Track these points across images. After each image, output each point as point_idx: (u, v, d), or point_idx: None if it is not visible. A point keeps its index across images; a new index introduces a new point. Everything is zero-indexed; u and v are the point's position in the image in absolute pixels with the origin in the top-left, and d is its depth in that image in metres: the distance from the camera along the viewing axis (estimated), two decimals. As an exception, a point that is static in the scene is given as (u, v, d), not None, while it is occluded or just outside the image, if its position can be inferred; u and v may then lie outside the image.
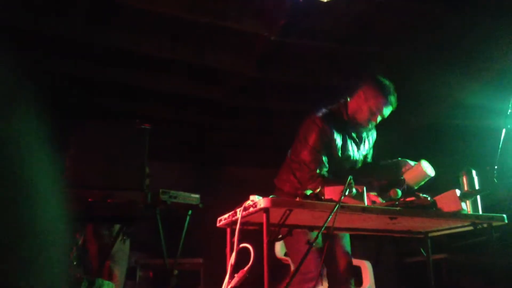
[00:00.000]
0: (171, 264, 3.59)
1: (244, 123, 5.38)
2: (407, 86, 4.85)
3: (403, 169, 2.75)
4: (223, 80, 4.69)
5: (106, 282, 2.75)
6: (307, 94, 4.90)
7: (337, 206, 2.09)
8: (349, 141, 2.83)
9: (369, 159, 3.05)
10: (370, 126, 2.83)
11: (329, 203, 2.20)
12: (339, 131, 2.76)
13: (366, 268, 3.48)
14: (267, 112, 5.20)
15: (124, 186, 3.07)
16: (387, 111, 2.75)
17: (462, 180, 2.66)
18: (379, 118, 2.77)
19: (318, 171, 2.66)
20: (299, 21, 3.90)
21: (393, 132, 5.90)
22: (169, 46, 4.09)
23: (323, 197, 2.32)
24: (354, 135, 2.87)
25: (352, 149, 2.84)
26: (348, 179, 2.22)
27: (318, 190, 2.42)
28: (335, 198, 2.20)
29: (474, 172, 2.68)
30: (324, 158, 2.69)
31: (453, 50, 4.26)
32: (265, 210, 2.13)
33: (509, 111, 2.87)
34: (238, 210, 2.31)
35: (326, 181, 2.55)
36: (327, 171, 2.70)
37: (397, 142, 6.08)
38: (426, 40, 4.17)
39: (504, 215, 2.60)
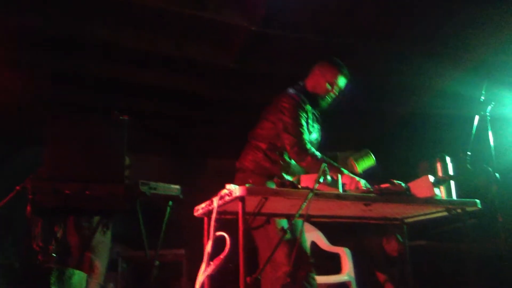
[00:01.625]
0: (153, 256, 3.61)
1: (224, 115, 5.37)
2: (389, 77, 4.91)
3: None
4: (203, 72, 4.67)
5: (76, 271, 2.74)
6: (288, 86, 4.92)
7: (311, 194, 2.12)
8: (313, 119, 2.98)
9: None
10: (329, 99, 3.02)
11: (304, 190, 2.23)
12: (307, 107, 2.95)
13: (345, 255, 3.53)
14: (247, 104, 5.21)
15: (103, 178, 3.07)
16: (342, 82, 3.02)
17: (436, 166, 2.72)
18: (336, 90, 3.00)
19: (306, 144, 2.77)
20: (279, 13, 3.90)
21: (376, 122, 5.98)
22: (147, 37, 4.07)
23: (299, 185, 2.36)
24: (317, 114, 3.03)
25: (315, 127, 2.99)
26: (322, 167, 2.25)
27: (295, 178, 2.47)
28: (311, 185, 2.23)
29: (448, 159, 2.74)
30: (305, 132, 2.84)
31: (432, 41, 4.31)
32: (241, 198, 2.15)
33: (482, 98, 2.93)
34: (214, 199, 2.33)
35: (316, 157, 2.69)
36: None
37: (379, 131, 6.17)
38: (406, 31, 4.20)
39: (477, 200, 2.65)
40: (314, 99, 3.00)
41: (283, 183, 2.41)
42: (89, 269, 3.35)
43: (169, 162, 4.83)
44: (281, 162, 2.86)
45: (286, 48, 4.41)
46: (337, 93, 3.03)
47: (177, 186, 3.63)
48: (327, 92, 3.00)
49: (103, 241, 3.51)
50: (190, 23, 3.99)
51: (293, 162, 2.86)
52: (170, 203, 3.70)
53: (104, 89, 4.63)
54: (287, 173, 2.85)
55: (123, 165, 3.21)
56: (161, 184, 3.48)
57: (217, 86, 4.88)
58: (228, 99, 5.13)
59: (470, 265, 2.83)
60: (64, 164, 3.03)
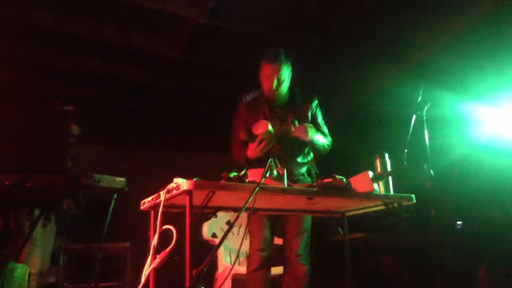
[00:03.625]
0: (96, 249, 3.55)
1: (170, 106, 5.34)
2: (331, 74, 5.06)
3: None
4: (150, 63, 4.62)
5: (19, 265, 2.67)
6: (234, 78, 4.96)
7: (257, 188, 2.17)
8: (266, 114, 2.99)
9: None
10: (277, 93, 2.94)
11: (250, 184, 2.28)
12: (253, 109, 3.00)
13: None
14: (193, 95, 5.20)
15: (45, 169, 2.98)
16: (273, 70, 2.88)
17: (376, 162, 2.86)
18: (275, 82, 2.90)
19: (233, 144, 2.95)
20: (228, 5, 3.92)
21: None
22: (92, 26, 3.97)
23: (246, 179, 2.41)
24: (277, 110, 3.01)
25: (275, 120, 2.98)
26: (269, 162, 2.32)
27: (243, 172, 2.52)
28: (257, 180, 2.29)
29: (386, 156, 2.87)
30: (237, 131, 3.00)
31: (374, 40, 4.47)
32: (188, 192, 2.17)
33: (419, 99, 3.09)
34: (161, 192, 2.33)
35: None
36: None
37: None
38: (349, 28, 4.34)
39: (413, 195, 2.81)
40: (268, 96, 2.98)
41: (229, 178, 2.46)
42: (25, 262, 3.25)
43: (115, 153, 4.73)
44: None
45: (234, 40, 4.44)
46: (276, 84, 2.90)
47: (122, 179, 3.57)
48: (268, 88, 2.92)
49: (44, 233, 3.41)
50: (136, 12, 3.94)
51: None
52: (115, 195, 3.65)
53: (48, 77, 4.48)
54: None
55: (65, 156, 3.13)
56: (105, 177, 3.41)
57: (164, 76, 4.84)
58: (175, 90, 5.10)
59: (405, 255, 2.99)
60: (4, 154, 2.92)
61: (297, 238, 2.98)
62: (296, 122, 2.98)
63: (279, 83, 2.90)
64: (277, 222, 3.06)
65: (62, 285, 3.92)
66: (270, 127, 2.77)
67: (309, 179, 3.06)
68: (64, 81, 4.62)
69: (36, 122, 3.11)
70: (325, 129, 3.13)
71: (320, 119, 3.12)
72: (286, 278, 2.99)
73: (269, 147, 2.79)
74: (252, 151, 2.82)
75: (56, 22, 3.84)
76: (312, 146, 2.98)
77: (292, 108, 3.02)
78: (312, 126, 2.92)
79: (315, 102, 3.11)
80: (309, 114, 3.06)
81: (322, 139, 2.99)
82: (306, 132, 2.83)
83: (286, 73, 2.91)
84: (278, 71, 2.87)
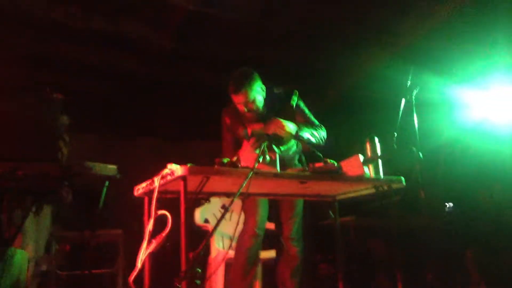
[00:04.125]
0: (89, 236, 3.56)
1: (161, 94, 5.32)
2: (320, 59, 5.08)
3: None
4: (140, 51, 4.59)
5: (19, 250, 2.69)
6: (225, 67, 4.95)
7: (251, 173, 2.20)
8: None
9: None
10: (252, 112, 2.92)
11: (244, 169, 2.31)
12: (236, 121, 3.01)
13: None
14: (184, 84, 5.19)
15: (36, 157, 2.97)
16: (239, 98, 2.86)
17: (366, 146, 2.89)
18: (246, 107, 2.88)
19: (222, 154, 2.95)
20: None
21: (310, 104, 6.16)
22: (81, 14, 3.93)
23: (239, 165, 2.43)
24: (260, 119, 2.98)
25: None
26: (262, 147, 2.35)
27: (235, 158, 2.55)
28: (250, 165, 2.32)
29: (376, 139, 2.91)
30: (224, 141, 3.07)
31: (363, 24, 4.48)
32: (183, 178, 2.20)
33: (408, 83, 3.12)
34: (155, 178, 2.35)
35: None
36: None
37: (316, 113, 6.37)
38: (339, 13, 4.34)
39: (402, 177, 2.86)
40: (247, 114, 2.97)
41: (223, 163, 2.48)
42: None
43: (106, 141, 4.72)
44: None
45: (225, 28, 4.42)
46: (248, 107, 2.89)
47: (114, 166, 3.57)
48: (242, 111, 2.92)
49: (37, 222, 3.41)
50: (126, 0, 3.91)
51: None
52: (107, 183, 3.66)
53: (37, 66, 4.43)
54: None
55: (57, 144, 3.13)
56: (97, 164, 3.42)
57: (154, 65, 4.82)
58: (166, 79, 5.09)
59: (395, 238, 3.05)
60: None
61: (290, 222, 3.05)
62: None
63: (250, 105, 2.88)
64: (271, 205, 3.10)
65: (54, 273, 3.93)
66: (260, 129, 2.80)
67: (299, 165, 3.10)
68: (54, 70, 4.57)
69: (26, 111, 3.09)
70: (314, 120, 3.09)
71: (304, 112, 3.07)
72: (279, 261, 3.06)
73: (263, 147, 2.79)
74: (247, 152, 2.78)
75: (45, 10, 3.79)
76: (304, 142, 2.94)
77: (274, 113, 2.94)
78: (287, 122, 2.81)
79: (295, 99, 3.03)
80: (293, 112, 3.01)
81: (312, 135, 2.91)
82: (280, 125, 2.72)
83: (254, 93, 2.86)
84: (244, 97, 2.84)
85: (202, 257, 1.95)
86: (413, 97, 3.11)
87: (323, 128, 3.05)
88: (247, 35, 4.53)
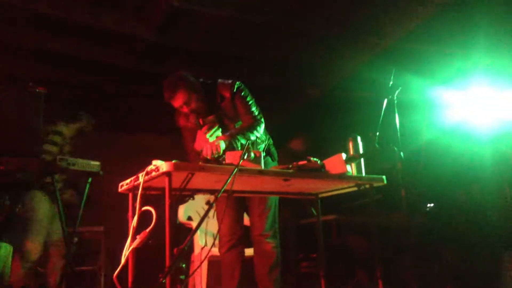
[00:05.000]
0: (70, 233, 3.53)
1: (144, 89, 5.29)
2: (306, 59, 5.12)
3: None
4: (123, 44, 4.56)
5: (3, 244, 2.66)
6: (207, 62, 4.96)
7: (235, 169, 2.22)
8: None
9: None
10: (194, 112, 2.99)
11: (229, 166, 2.32)
12: (186, 118, 3.09)
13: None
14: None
15: (18, 152, 2.94)
16: (175, 103, 2.92)
17: (349, 145, 2.94)
18: (186, 108, 2.95)
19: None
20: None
21: (293, 103, 6.22)
22: (62, 5, 3.89)
23: (223, 161, 2.45)
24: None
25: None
26: (246, 144, 2.37)
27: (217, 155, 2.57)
28: (235, 162, 2.33)
29: (359, 138, 2.96)
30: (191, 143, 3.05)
31: (345, 25, 4.53)
32: (168, 174, 2.20)
33: (391, 83, 3.17)
34: (140, 174, 2.35)
35: None
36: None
37: (296, 112, 6.42)
38: (321, 13, 4.38)
39: (384, 176, 2.91)
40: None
41: (207, 160, 2.50)
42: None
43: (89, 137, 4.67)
44: None
45: (208, 24, 4.42)
46: (188, 108, 2.95)
47: (97, 163, 3.56)
48: (185, 113, 3.01)
49: (26, 218, 3.37)
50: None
51: None
52: (90, 179, 3.63)
53: (19, 58, 4.37)
54: None
55: (39, 139, 3.10)
56: (80, 160, 3.40)
57: (138, 58, 4.79)
58: (148, 73, 5.05)
59: (375, 235, 3.08)
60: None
61: (262, 217, 2.97)
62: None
63: (192, 105, 2.93)
64: (244, 202, 3.07)
65: (36, 270, 3.89)
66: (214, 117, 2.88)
67: (269, 158, 3.08)
68: (36, 63, 4.52)
69: (8, 105, 3.06)
70: (254, 110, 3.02)
71: (244, 103, 3.02)
72: (255, 258, 2.99)
73: (217, 133, 2.86)
74: (201, 139, 2.87)
75: (26, 2, 3.74)
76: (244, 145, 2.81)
77: (216, 108, 3.01)
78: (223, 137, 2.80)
79: (234, 90, 3.01)
80: (233, 103, 3.02)
81: (247, 138, 2.86)
82: (215, 147, 2.69)
83: (188, 94, 2.90)
84: (181, 100, 2.90)
85: (186, 253, 1.95)
86: (395, 97, 3.16)
87: (262, 120, 3.00)
88: (229, 31, 4.55)
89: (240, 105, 3.00)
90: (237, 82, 3.04)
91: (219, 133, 2.87)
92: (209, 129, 2.84)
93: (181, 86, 2.88)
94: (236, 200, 3.01)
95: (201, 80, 3.05)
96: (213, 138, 2.83)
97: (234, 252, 2.98)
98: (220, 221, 2.97)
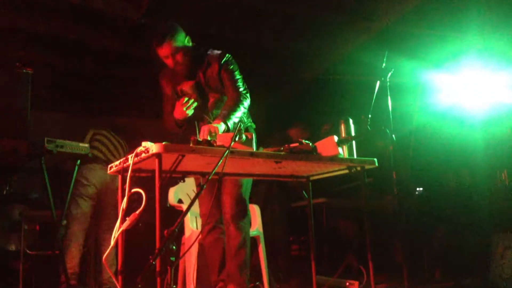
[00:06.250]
0: (59, 216, 3.50)
1: (133, 72, 5.21)
2: (296, 42, 5.06)
3: None
4: (111, 26, 4.46)
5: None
6: (197, 42, 4.87)
7: (227, 151, 2.19)
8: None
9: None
10: (180, 66, 2.94)
11: (220, 148, 2.29)
12: (169, 80, 3.11)
13: (255, 212, 3.70)
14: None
15: (4, 133, 2.89)
16: (164, 51, 2.87)
17: (340, 127, 2.93)
18: (173, 60, 2.90)
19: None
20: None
21: (285, 87, 6.17)
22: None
23: (214, 143, 2.42)
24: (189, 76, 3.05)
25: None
26: (238, 126, 2.34)
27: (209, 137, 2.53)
28: (226, 144, 2.30)
29: (351, 121, 2.95)
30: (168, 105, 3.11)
31: (338, 8, 4.48)
32: (158, 155, 2.17)
33: (383, 65, 3.15)
34: (129, 156, 2.32)
35: None
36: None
37: (289, 95, 6.39)
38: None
39: (375, 159, 2.90)
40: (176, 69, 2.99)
41: (198, 141, 2.46)
42: None
43: (77, 120, 4.62)
44: None
45: (197, 5, 4.33)
46: (175, 60, 2.90)
47: (86, 145, 3.52)
48: (169, 65, 2.95)
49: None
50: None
51: None
52: (78, 162, 3.60)
53: (6, 39, 4.27)
54: None
55: (27, 121, 3.05)
56: (68, 142, 3.35)
57: (127, 41, 4.70)
58: (137, 56, 4.96)
59: (366, 219, 3.08)
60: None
61: (230, 198, 2.90)
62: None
63: (178, 58, 2.89)
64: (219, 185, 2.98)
65: (24, 253, 3.86)
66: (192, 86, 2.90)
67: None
68: (24, 45, 4.41)
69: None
70: (240, 84, 2.98)
71: (232, 76, 2.97)
72: (225, 239, 2.94)
73: (194, 106, 2.85)
74: (179, 111, 2.86)
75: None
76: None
77: (201, 70, 3.00)
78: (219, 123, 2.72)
79: (222, 61, 2.97)
80: (219, 73, 2.98)
81: (237, 115, 2.82)
82: (213, 130, 2.63)
83: (178, 44, 2.86)
84: (168, 49, 2.85)
85: (177, 236, 1.93)
86: (388, 80, 3.15)
87: (248, 95, 2.97)
88: (219, 14, 4.47)
89: (227, 78, 2.97)
90: (227, 54, 3.01)
91: (195, 105, 2.85)
92: (186, 102, 2.81)
93: (174, 34, 2.85)
94: (210, 183, 2.93)
95: (194, 44, 3.02)
96: (190, 111, 2.83)
97: (214, 234, 2.99)
98: (200, 204, 2.98)
